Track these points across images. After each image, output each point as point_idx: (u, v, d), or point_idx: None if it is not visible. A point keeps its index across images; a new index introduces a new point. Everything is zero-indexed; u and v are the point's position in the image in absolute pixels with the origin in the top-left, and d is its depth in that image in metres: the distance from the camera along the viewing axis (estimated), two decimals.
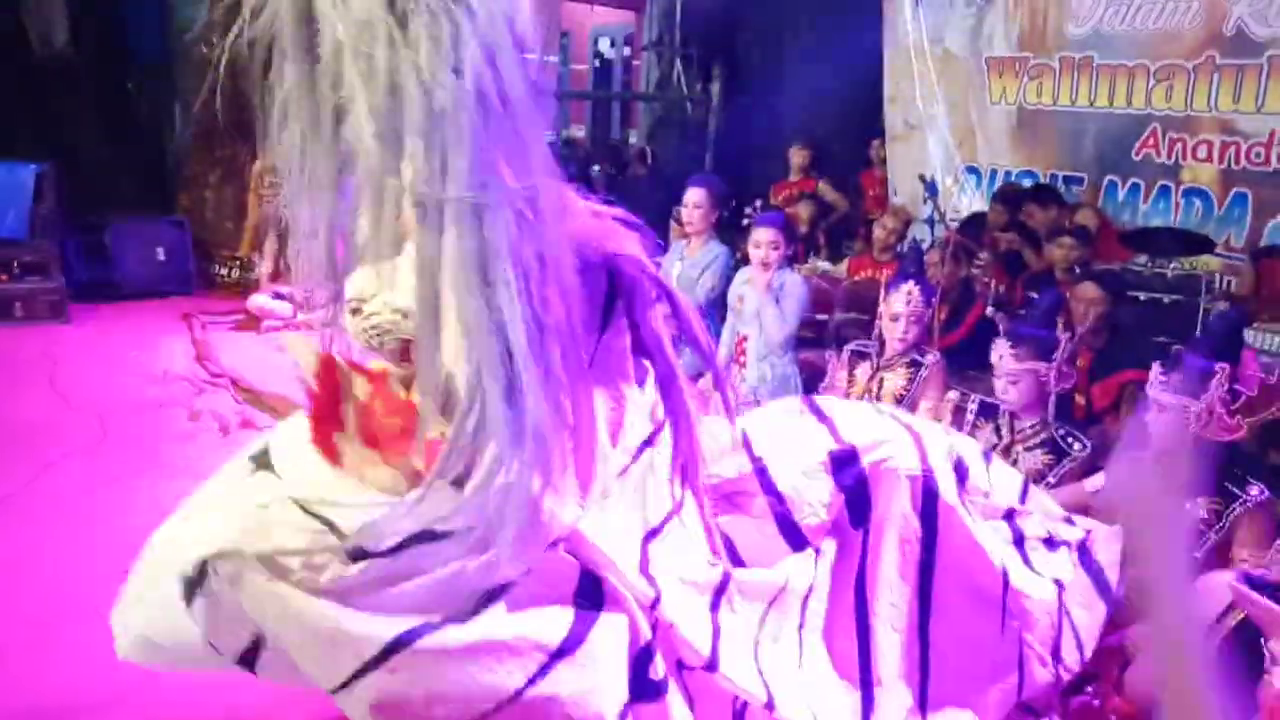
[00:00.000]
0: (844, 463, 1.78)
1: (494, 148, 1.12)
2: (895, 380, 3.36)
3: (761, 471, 1.77)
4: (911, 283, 3.35)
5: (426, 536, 1.27)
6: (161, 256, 6.19)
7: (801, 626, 1.68)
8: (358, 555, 1.27)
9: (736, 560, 1.67)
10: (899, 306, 3.32)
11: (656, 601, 1.44)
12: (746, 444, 1.88)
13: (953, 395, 3.22)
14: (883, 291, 3.48)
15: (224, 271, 6.31)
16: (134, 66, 6.51)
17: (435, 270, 1.12)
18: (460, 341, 1.14)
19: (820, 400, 2.07)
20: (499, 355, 1.13)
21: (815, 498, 1.73)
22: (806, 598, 1.68)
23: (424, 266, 1.13)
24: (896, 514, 1.76)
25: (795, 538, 1.72)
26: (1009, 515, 1.96)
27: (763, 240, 3.99)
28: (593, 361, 1.40)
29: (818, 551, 1.73)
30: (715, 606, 1.55)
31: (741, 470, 1.78)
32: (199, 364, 4.66)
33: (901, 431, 1.86)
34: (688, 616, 1.49)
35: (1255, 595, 1.78)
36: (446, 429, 1.23)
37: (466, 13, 1.11)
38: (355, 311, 1.32)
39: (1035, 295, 4.00)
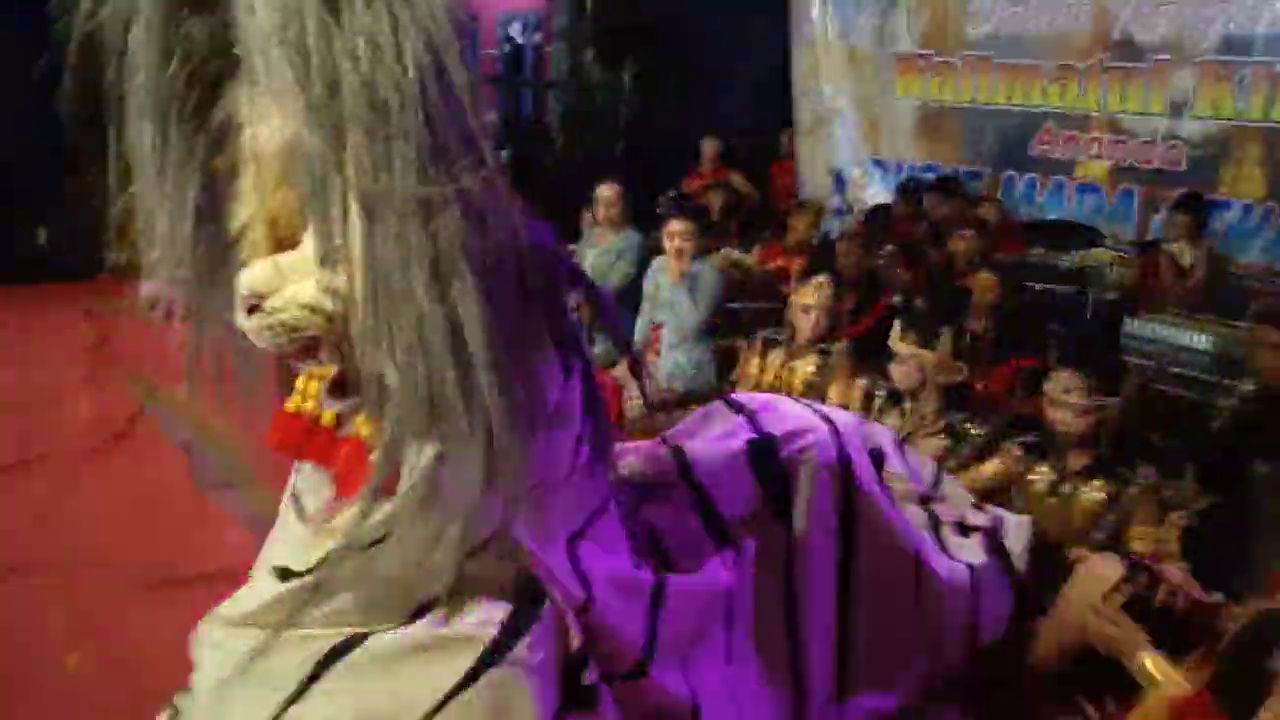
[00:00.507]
0: (763, 453, 1.78)
1: (440, 140, 1.07)
2: (805, 368, 3.42)
3: (681, 464, 1.76)
4: (824, 275, 3.42)
5: (358, 545, 1.22)
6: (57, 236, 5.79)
7: (729, 625, 1.67)
8: (286, 576, 1.25)
9: (664, 554, 1.65)
10: (810, 299, 3.39)
11: (589, 603, 1.41)
12: (664, 438, 1.87)
13: (861, 383, 3.29)
14: (794, 282, 3.53)
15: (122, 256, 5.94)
16: None
17: (383, 267, 1.06)
18: (405, 340, 1.08)
19: (738, 395, 2.07)
20: (452, 355, 1.09)
21: (736, 490, 1.73)
22: (732, 595, 1.67)
23: (373, 264, 1.07)
24: (817, 504, 1.77)
25: (718, 529, 1.71)
26: (923, 500, 2.00)
27: (676, 231, 3.99)
28: None
29: (741, 543, 1.72)
30: (651, 611, 1.53)
31: (661, 463, 1.76)
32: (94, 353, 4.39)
33: (819, 421, 1.87)
34: (620, 619, 1.46)
35: (1113, 617, 1.93)
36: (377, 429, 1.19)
37: (404, 1, 1.06)
38: (254, 310, 1.19)
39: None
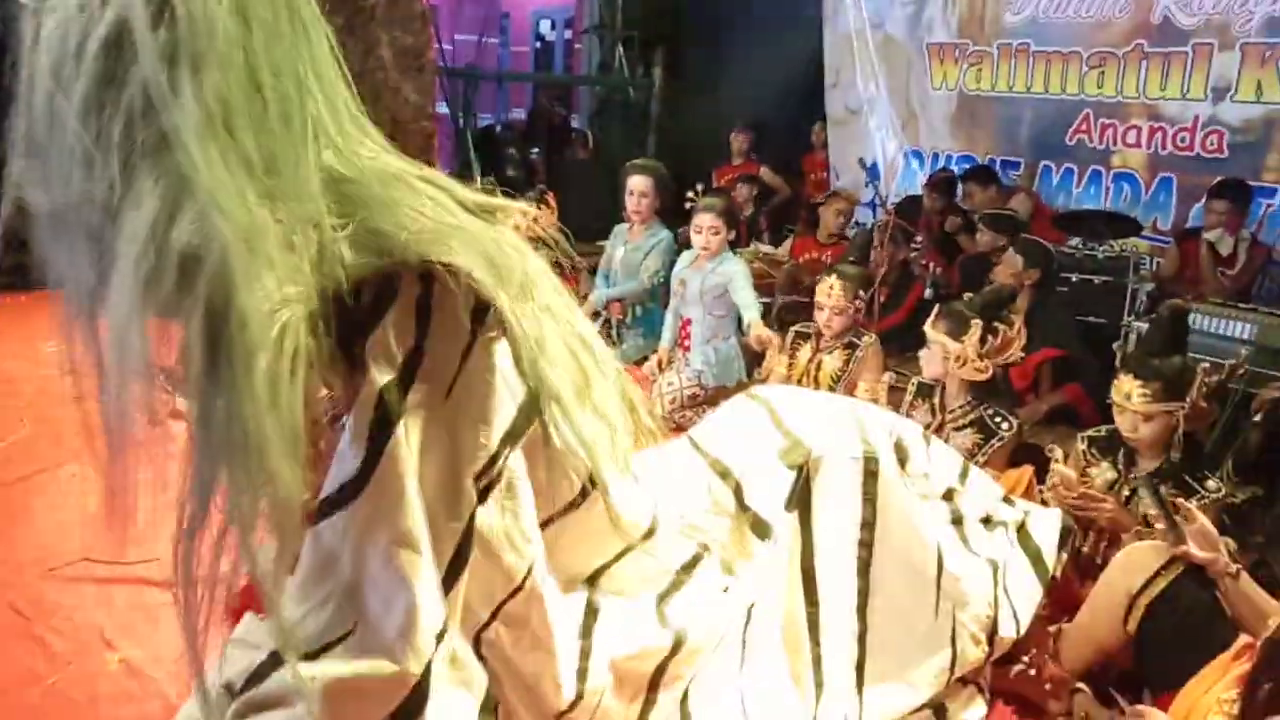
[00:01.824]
0: (790, 448, 1.79)
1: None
2: (833, 362, 3.41)
3: (710, 460, 1.77)
4: (834, 277, 3.41)
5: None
6: None
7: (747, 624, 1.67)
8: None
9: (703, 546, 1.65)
10: (821, 298, 3.40)
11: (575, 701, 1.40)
12: (691, 435, 1.88)
13: (888, 376, 3.27)
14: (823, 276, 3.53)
15: None
16: None
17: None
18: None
19: (761, 388, 2.07)
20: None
21: (764, 483, 1.73)
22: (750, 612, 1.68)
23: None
24: (840, 499, 1.76)
25: (751, 521, 1.72)
26: (948, 496, 1.98)
27: (703, 225, 4.00)
28: (451, 391, 1.22)
29: (773, 533, 1.72)
30: (654, 685, 1.52)
31: (689, 460, 1.78)
32: None
33: (844, 415, 1.87)
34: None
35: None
36: None
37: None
38: None
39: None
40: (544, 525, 1.36)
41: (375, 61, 6.76)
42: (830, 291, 3.38)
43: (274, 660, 1.25)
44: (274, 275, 1.01)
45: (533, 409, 1.26)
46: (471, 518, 1.24)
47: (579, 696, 1.39)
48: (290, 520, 1.07)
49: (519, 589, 1.31)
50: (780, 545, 1.73)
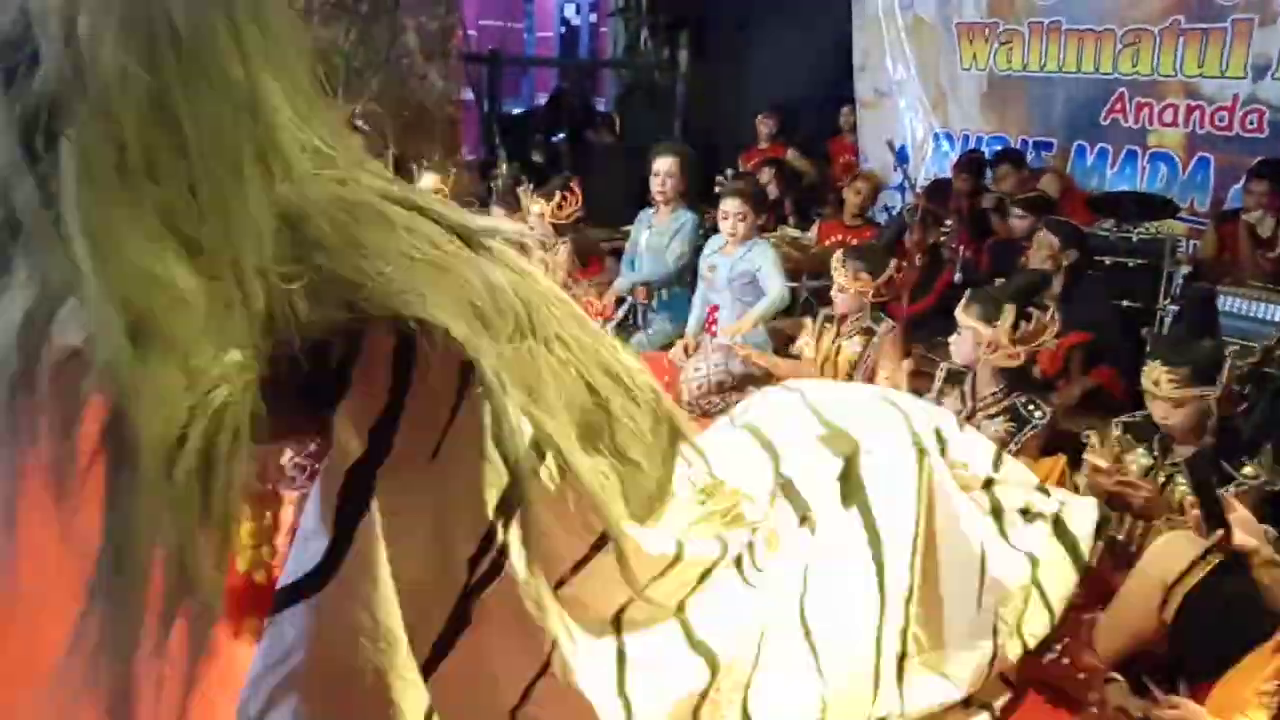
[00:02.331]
0: (837, 438, 1.76)
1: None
2: (852, 347, 3.38)
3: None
4: (840, 256, 3.39)
5: None
6: None
7: (808, 635, 1.64)
8: None
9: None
10: (842, 279, 3.37)
11: None
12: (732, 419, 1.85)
13: (908, 363, 3.23)
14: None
15: None
16: None
17: None
18: None
19: (795, 382, 2.04)
20: None
21: (811, 473, 1.71)
22: (802, 603, 1.64)
23: None
24: (892, 491, 1.74)
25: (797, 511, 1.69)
26: (987, 485, 1.95)
27: (729, 211, 3.97)
28: (436, 454, 1.08)
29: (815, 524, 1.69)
30: (697, 710, 1.45)
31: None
32: None
33: (885, 405, 1.84)
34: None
35: None
36: None
37: None
38: None
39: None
40: (560, 584, 1.24)
41: (400, 48, 6.79)
42: (838, 271, 3.37)
43: None
44: (205, 346, 0.85)
45: (523, 474, 1.09)
46: (464, 597, 1.14)
47: None
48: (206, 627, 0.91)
49: (546, 666, 1.22)
50: (827, 532, 1.69)
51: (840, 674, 1.64)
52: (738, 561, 1.56)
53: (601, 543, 1.23)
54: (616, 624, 1.38)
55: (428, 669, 1.15)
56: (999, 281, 3.05)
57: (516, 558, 1.13)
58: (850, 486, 1.73)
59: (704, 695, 1.45)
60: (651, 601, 1.36)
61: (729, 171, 4.58)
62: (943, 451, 1.87)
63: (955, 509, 1.81)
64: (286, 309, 0.92)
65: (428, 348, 1.00)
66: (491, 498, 1.09)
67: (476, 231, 1.08)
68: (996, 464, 2.04)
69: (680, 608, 1.46)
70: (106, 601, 0.83)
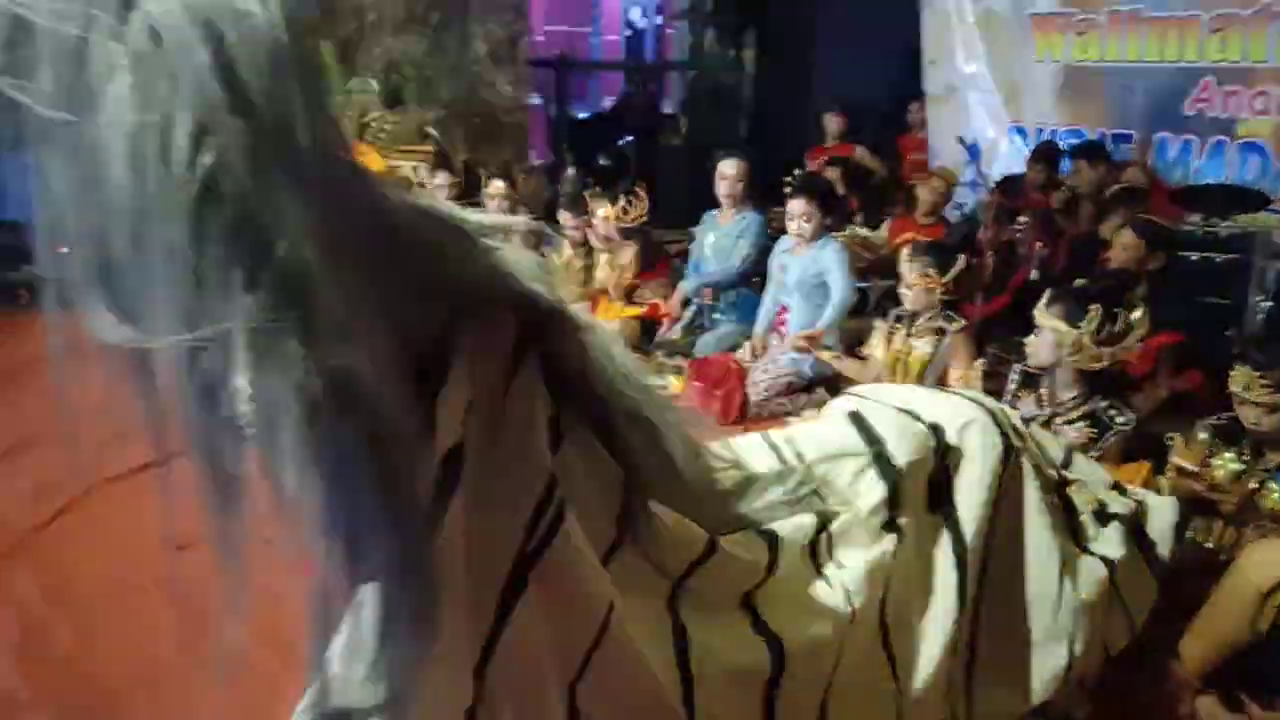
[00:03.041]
0: (933, 434, 1.72)
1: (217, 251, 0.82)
2: (922, 348, 3.31)
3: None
4: (908, 253, 3.32)
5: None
6: None
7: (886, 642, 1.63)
8: None
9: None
10: (910, 277, 3.30)
11: None
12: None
13: (980, 363, 3.15)
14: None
15: None
16: None
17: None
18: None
19: (865, 388, 2.00)
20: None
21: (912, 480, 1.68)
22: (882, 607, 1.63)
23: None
24: (972, 491, 1.70)
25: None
26: (1060, 485, 1.90)
27: (795, 212, 3.95)
28: (499, 436, 1.15)
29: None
30: (770, 700, 1.44)
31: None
32: None
33: (975, 407, 1.80)
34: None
35: None
36: None
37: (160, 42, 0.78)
38: None
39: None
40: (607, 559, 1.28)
41: (470, 55, 6.90)
42: (906, 268, 3.31)
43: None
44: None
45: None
46: (521, 563, 1.17)
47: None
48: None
49: (602, 635, 1.23)
50: (913, 535, 1.67)
51: (916, 680, 1.61)
52: (812, 553, 1.56)
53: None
54: (672, 603, 1.40)
55: (485, 649, 1.17)
56: (1077, 281, 2.94)
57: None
58: (938, 487, 1.70)
59: (774, 683, 1.44)
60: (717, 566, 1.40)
61: (796, 171, 4.52)
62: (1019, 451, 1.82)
63: (1036, 509, 1.76)
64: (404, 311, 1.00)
65: (492, 330, 1.10)
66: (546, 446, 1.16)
67: (488, 227, 1.14)
68: (1069, 464, 1.98)
69: (748, 597, 1.47)
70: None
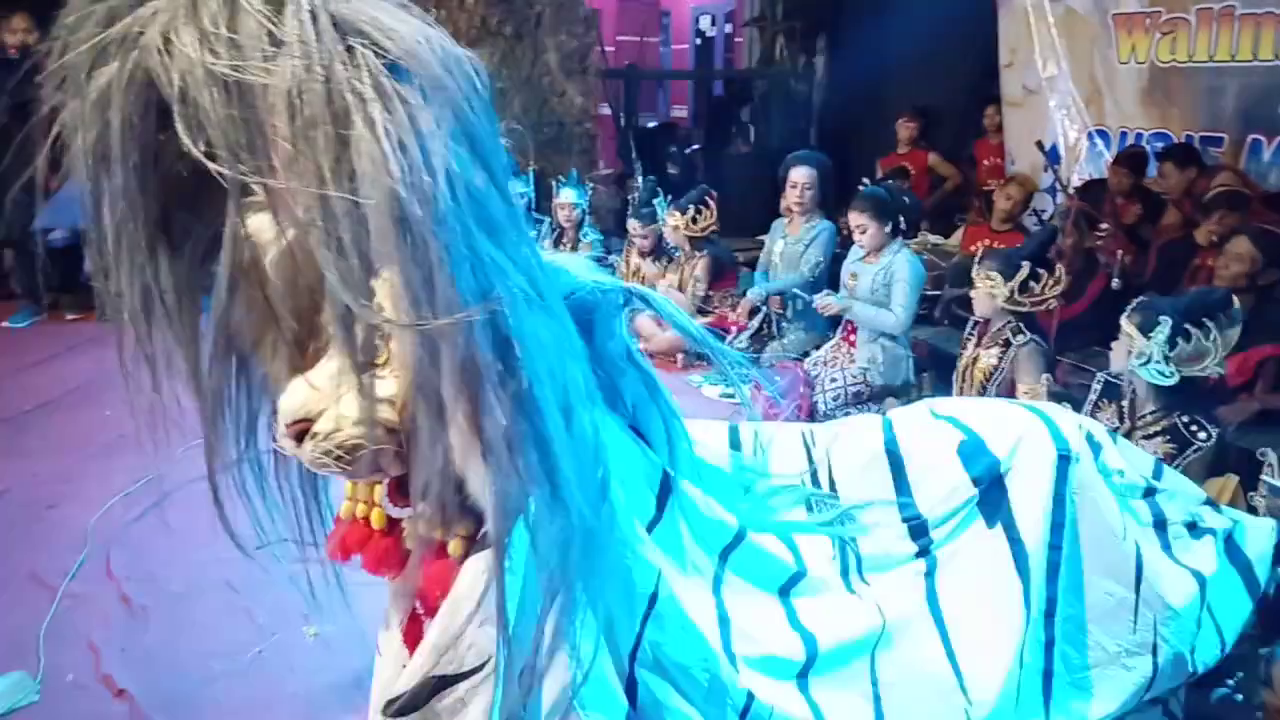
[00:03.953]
0: (973, 455, 1.70)
1: (483, 244, 0.97)
2: (989, 358, 3.22)
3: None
4: (989, 262, 3.23)
5: (445, 682, 1.20)
6: None
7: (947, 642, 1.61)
8: (388, 713, 1.23)
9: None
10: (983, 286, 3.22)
11: (746, 710, 1.36)
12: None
13: (1046, 378, 3.05)
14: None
15: None
16: None
17: (433, 388, 0.98)
18: (465, 447, 1.04)
19: (928, 400, 1.98)
20: (527, 469, 1.03)
21: (942, 485, 1.66)
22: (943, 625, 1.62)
23: (421, 385, 0.98)
24: (1032, 500, 1.66)
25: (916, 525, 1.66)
26: (1149, 494, 1.83)
27: (852, 224, 3.93)
28: None
29: (932, 548, 1.65)
30: (804, 686, 1.47)
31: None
32: None
33: (1029, 416, 1.76)
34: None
35: None
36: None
37: (425, 95, 0.93)
38: (304, 435, 1.07)
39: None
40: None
41: (541, 67, 7.00)
42: (976, 275, 3.23)
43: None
44: None
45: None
46: None
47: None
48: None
49: (652, 606, 1.28)
50: (968, 553, 1.65)
51: (986, 693, 1.58)
52: (843, 569, 1.59)
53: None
54: (715, 585, 1.43)
55: None
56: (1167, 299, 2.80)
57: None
58: (993, 503, 1.67)
59: (805, 673, 1.47)
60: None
61: (866, 181, 4.46)
62: (1096, 457, 1.77)
63: (1106, 519, 1.70)
64: None
65: None
66: None
67: None
68: (1158, 473, 1.91)
69: (784, 592, 1.51)
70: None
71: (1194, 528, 1.87)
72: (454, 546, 1.20)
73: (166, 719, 2.07)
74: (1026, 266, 3.15)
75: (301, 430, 1.07)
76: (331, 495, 1.36)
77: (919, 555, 1.64)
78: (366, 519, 1.27)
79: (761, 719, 1.39)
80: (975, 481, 1.67)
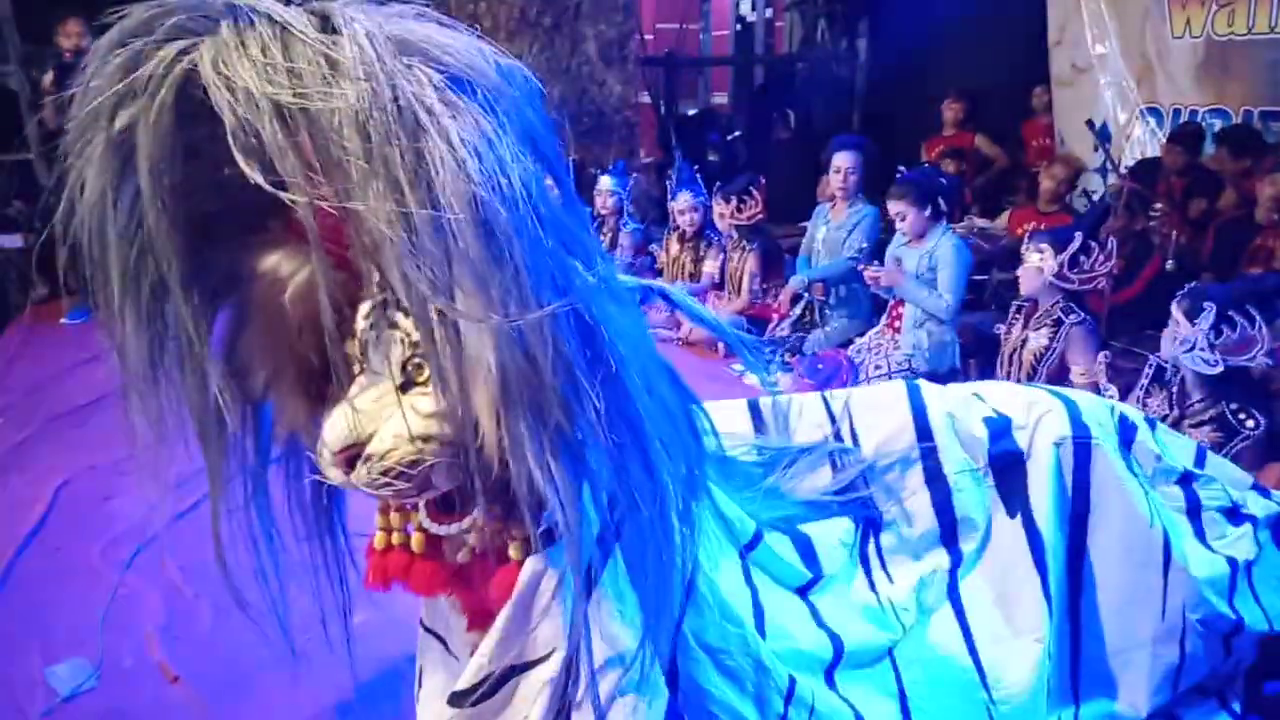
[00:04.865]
0: (998, 435, 1.67)
1: (555, 239, 0.99)
2: (1038, 340, 3.15)
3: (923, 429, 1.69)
4: (1039, 236, 3.16)
5: (510, 671, 1.23)
6: None
7: (968, 639, 1.59)
8: (453, 702, 1.25)
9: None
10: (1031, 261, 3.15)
11: (790, 694, 1.37)
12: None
13: (1104, 357, 2.97)
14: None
15: None
16: None
17: (524, 386, 0.98)
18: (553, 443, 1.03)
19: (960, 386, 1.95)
20: (621, 452, 1.06)
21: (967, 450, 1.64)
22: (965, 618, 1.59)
23: (508, 385, 0.98)
24: (1046, 485, 1.63)
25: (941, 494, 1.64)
26: (1185, 480, 1.78)
27: (892, 212, 3.87)
28: None
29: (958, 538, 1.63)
30: (831, 682, 1.47)
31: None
32: None
33: (1049, 399, 1.72)
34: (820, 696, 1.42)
35: None
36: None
37: (488, 104, 0.95)
38: (354, 461, 1.07)
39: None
40: None
41: (581, 57, 7.01)
42: (1026, 252, 3.17)
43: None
44: None
45: None
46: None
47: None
48: None
49: (691, 586, 1.30)
50: (990, 544, 1.63)
51: (1011, 688, 1.56)
52: (864, 563, 1.60)
53: None
54: (747, 577, 1.46)
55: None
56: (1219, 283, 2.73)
57: None
58: (1012, 490, 1.64)
59: (833, 669, 1.48)
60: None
61: (900, 169, 4.37)
62: (1129, 443, 1.73)
63: (1132, 505, 1.66)
64: None
65: None
66: None
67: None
68: (1200, 460, 1.86)
69: (804, 593, 1.52)
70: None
71: (1234, 514, 1.81)
72: (515, 550, 1.21)
73: (219, 704, 2.12)
74: (1079, 238, 3.08)
75: (352, 456, 1.07)
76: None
77: (943, 544, 1.63)
78: (404, 545, 1.27)
79: (805, 703, 1.39)
80: (993, 460, 1.65)
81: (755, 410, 1.72)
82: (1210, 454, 1.92)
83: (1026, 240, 3.22)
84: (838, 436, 1.68)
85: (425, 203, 0.90)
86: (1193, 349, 2.42)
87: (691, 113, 9.13)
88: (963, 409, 1.71)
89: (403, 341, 1.06)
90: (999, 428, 1.66)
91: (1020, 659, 1.58)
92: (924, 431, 1.67)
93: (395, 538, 1.27)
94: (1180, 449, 1.85)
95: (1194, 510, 1.77)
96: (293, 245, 1.06)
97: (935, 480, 1.64)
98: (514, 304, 0.94)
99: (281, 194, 0.91)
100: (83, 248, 0.98)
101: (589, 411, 1.01)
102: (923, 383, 1.79)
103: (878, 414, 1.70)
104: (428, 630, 1.44)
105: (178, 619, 2.42)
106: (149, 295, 1.00)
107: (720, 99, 9.99)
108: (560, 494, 1.02)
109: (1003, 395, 1.75)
